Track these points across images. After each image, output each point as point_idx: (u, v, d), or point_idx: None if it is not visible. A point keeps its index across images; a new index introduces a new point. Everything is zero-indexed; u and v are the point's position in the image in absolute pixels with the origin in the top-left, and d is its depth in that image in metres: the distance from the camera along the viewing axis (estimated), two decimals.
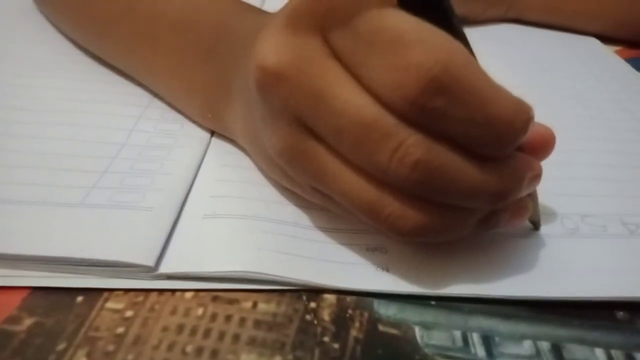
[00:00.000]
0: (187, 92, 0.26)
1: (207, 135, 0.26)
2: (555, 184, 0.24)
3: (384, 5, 0.16)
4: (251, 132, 0.22)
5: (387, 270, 0.19)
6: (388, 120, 0.16)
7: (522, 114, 0.17)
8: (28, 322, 0.18)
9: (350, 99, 0.16)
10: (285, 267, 0.19)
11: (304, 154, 0.18)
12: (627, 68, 0.37)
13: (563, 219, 0.22)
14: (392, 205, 0.17)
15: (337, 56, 0.17)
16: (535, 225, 0.21)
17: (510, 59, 0.37)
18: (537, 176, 0.19)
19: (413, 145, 0.16)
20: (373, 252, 0.20)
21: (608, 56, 0.40)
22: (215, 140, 0.26)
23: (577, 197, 0.24)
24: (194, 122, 0.27)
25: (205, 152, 0.25)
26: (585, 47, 0.41)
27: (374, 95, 0.16)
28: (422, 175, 0.16)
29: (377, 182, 0.17)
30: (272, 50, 0.17)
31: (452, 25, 0.17)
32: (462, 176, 0.16)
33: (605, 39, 0.42)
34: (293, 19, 0.17)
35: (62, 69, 0.31)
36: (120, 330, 0.17)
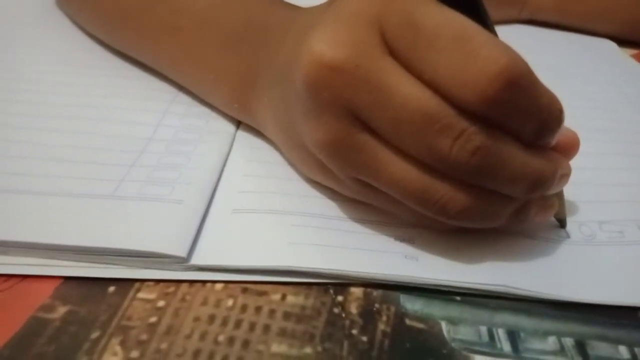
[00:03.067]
0: (213, 82, 0.26)
1: (232, 130, 0.26)
2: (572, 189, 0.24)
3: (436, 2, 0.17)
4: (283, 124, 0.22)
5: (417, 259, 0.20)
6: (449, 112, 0.17)
7: (559, 103, 0.18)
8: (62, 310, 0.18)
9: (412, 92, 0.17)
10: (313, 259, 0.19)
11: (353, 146, 0.18)
12: None
13: (581, 226, 0.23)
14: (443, 190, 0.18)
15: (394, 52, 0.17)
16: (562, 223, 0.22)
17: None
18: (566, 175, 0.19)
19: (474, 133, 0.17)
20: (402, 242, 0.21)
21: (623, 59, 0.40)
22: (240, 135, 0.26)
23: (594, 202, 0.24)
24: (220, 115, 0.27)
25: (231, 147, 0.25)
26: (600, 49, 0.41)
27: (435, 90, 0.17)
28: (481, 160, 0.17)
29: (429, 169, 0.18)
30: (328, 44, 0.17)
31: (487, 22, 0.18)
32: (512, 162, 0.18)
33: (623, 41, 0.43)
34: (349, 14, 0.18)
35: (86, 66, 0.31)
36: (153, 319, 0.18)
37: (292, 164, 0.24)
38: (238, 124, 0.27)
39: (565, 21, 0.44)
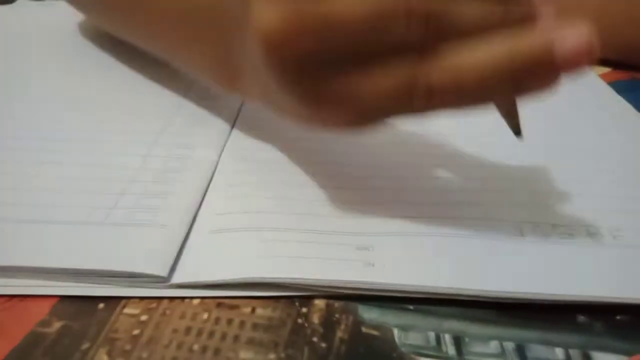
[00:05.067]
0: (201, 69, 0.28)
1: (215, 158, 0.29)
2: (531, 194, 0.26)
3: None
4: (268, 94, 0.23)
5: (373, 265, 0.22)
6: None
7: None
8: (57, 325, 0.20)
9: (353, 2, 0.18)
10: (279, 270, 0.22)
11: (331, 93, 0.20)
12: (607, 90, 0.39)
13: (535, 227, 0.25)
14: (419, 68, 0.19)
15: None
16: (517, 132, 0.23)
17: None
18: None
19: (417, 2, 0.18)
20: (361, 250, 0.23)
21: (590, 78, 0.42)
22: (223, 162, 0.29)
23: (550, 208, 0.26)
24: (205, 145, 0.30)
25: (214, 173, 0.28)
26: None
27: None
28: (437, 22, 0.19)
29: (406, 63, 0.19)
30: (269, 12, 0.19)
31: None
32: (470, 14, 0.19)
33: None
34: None
35: (77, 101, 0.34)
36: (136, 332, 0.20)
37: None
38: (221, 152, 0.30)
39: None
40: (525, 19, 0.20)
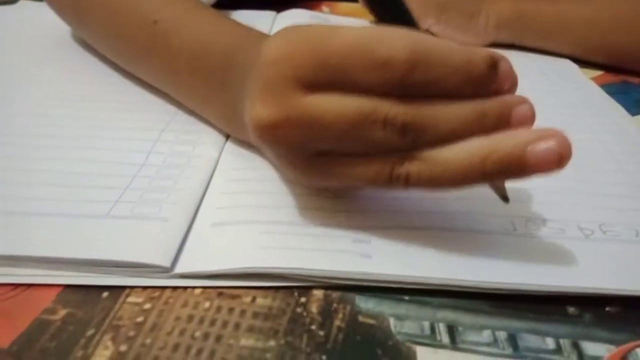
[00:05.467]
0: (213, 119, 0.31)
1: (216, 155, 0.30)
2: (521, 191, 0.27)
3: (337, 31, 0.21)
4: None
5: (371, 257, 0.23)
6: (370, 105, 0.20)
7: (480, 56, 0.21)
8: (62, 312, 0.21)
9: (336, 109, 0.21)
10: (278, 261, 0.22)
11: (320, 171, 0.23)
12: (599, 92, 0.40)
13: (527, 221, 0.25)
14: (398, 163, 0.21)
15: (317, 86, 0.21)
16: (504, 199, 0.24)
17: None
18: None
19: (398, 113, 0.20)
20: (359, 243, 0.23)
21: (582, 80, 0.43)
22: (223, 159, 0.29)
23: (542, 204, 0.27)
24: (205, 142, 0.30)
25: (214, 169, 0.28)
26: (560, 69, 0.44)
27: (360, 94, 0.20)
28: (413, 130, 0.20)
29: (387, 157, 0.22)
30: (260, 110, 0.22)
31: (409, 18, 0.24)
32: (446, 115, 0.21)
33: (587, 63, 0.46)
34: (268, 77, 0.21)
35: (85, 100, 0.35)
36: (140, 319, 0.21)
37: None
38: (221, 149, 0.30)
39: (525, 35, 0.46)
40: (501, 120, 0.21)
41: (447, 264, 0.23)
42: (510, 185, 0.28)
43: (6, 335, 0.20)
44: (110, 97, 0.35)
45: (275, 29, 0.48)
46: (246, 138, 0.29)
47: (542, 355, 0.20)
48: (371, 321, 0.21)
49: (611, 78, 0.44)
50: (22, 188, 0.26)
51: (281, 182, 0.28)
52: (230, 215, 0.25)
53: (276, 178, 0.28)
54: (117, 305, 0.21)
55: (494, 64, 0.21)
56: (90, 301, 0.21)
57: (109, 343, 0.20)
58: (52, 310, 0.21)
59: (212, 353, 0.20)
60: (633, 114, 0.38)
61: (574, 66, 0.45)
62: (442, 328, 0.21)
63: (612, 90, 0.41)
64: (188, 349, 0.20)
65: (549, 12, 0.45)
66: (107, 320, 0.21)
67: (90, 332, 0.20)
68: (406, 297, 0.22)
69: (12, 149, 0.29)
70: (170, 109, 0.34)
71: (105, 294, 0.22)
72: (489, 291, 0.22)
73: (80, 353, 0.19)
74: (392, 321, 0.21)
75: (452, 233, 0.24)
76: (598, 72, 0.45)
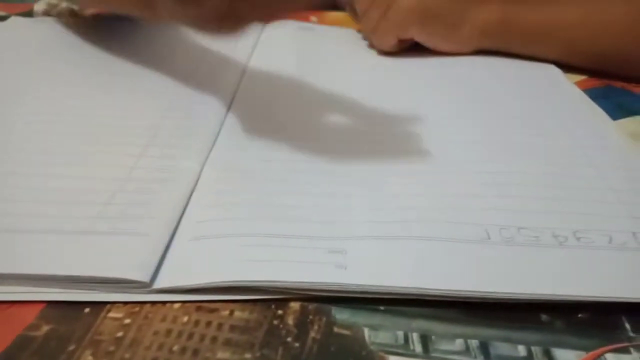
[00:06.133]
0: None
1: (198, 168, 0.30)
2: (497, 198, 0.27)
3: None
4: None
5: (345, 268, 0.23)
6: None
7: None
8: (45, 328, 0.21)
9: None
10: (255, 273, 0.23)
11: None
12: (581, 96, 0.41)
13: (502, 229, 0.26)
14: None
15: None
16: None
17: (464, 88, 0.41)
18: None
19: None
20: (333, 253, 0.24)
21: (565, 85, 0.43)
22: (205, 172, 0.30)
23: (516, 211, 0.27)
24: (189, 156, 0.31)
25: (197, 183, 0.29)
26: (544, 75, 0.44)
27: None
28: None
29: None
30: None
31: None
32: None
33: (569, 68, 0.46)
34: None
35: (67, 112, 0.35)
36: (120, 334, 0.21)
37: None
38: (203, 163, 0.31)
39: (510, 42, 0.47)
40: None
41: (422, 273, 0.23)
42: (485, 192, 0.29)
43: None
44: (96, 112, 0.36)
45: (262, 39, 0.49)
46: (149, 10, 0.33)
47: None
48: (346, 332, 0.22)
49: (595, 82, 0.45)
50: (2, 204, 0.27)
51: (261, 194, 0.28)
52: (209, 229, 0.26)
53: (256, 190, 0.28)
54: (98, 321, 0.22)
55: None
56: (73, 317, 0.22)
57: (90, 358, 0.20)
58: (35, 327, 0.21)
59: None
60: (615, 118, 0.38)
61: (557, 71, 0.45)
62: (415, 337, 0.22)
63: (595, 94, 0.42)
64: None
65: (535, 18, 0.46)
66: (88, 336, 0.21)
67: (71, 347, 0.21)
68: (381, 307, 0.23)
69: None
70: (155, 122, 0.34)
71: (87, 310, 0.22)
72: (462, 299, 0.23)
73: None
74: (366, 331, 0.22)
75: (427, 242, 0.25)
76: (582, 77, 0.45)
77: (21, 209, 0.26)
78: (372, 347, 0.21)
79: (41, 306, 0.22)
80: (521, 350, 0.21)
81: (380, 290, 0.22)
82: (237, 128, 0.35)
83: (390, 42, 0.46)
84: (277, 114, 0.37)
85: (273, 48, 0.47)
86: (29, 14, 0.54)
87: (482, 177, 0.30)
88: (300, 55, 0.46)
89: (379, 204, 0.28)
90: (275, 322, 0.22)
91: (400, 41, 0.47)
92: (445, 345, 0.21)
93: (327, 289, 0.23)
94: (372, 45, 0.48)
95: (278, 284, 0.23)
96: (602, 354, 0.21)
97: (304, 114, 0.37)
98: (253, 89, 0.40)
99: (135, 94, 0.39)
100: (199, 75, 0.41)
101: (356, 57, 0.47)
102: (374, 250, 0.24)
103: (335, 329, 0.22)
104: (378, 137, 0.34)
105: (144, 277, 0.23)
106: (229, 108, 0.37)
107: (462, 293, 0.22)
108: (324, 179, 0.30)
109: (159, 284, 0.23)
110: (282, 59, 0.45)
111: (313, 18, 0.56)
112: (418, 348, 0.21)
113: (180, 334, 0.21)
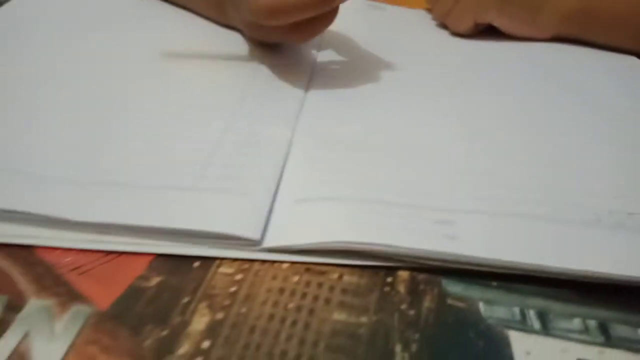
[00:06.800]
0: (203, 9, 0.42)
1: (289, 135, 0.30)
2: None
3: None
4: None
5: (456, 239, 0.23)
6: None
7: None
8: (156, 280, 0.21)
9: None
10: (364, 237, 0.22)
11: None
12: None
13: (611, 214, 0.25)
14: None
15: None
16: None
17: (544, 80, 0.40)
18: None
19: None
20: (441, 224, 0.23)
21: None
22: (296, 139, 0.30)
23: (627, 198, 0.26)
24: (279, 123, 0.30)
25: (290, 149, 0.29)
26: (624, 66, 0.43)
27: None
28: None
29: None
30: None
31: None
32: None
33: None
34: None
35: (165, 77, 0.35)
36: (233, 289, 0.21)
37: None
38: (293, 130, 0.30)
39: (589, 29, 0.45)
40: None
41: (534, 250, 0.23)
42: (593, 177, 0.28)
43: (103, 298, 0.20)
44: (191, 81, 0.35)
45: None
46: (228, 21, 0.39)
47: (636, 346, 0.20)
48: (460, 304, 0.21)
49: None
50: (112, 159, 0.27)
51: (360, 162, 0.28)
52: (312, 192, 0.25)
53: (354, 158, 0.28)
54: (209, 275, 0.22)
55: None
56: (182, 270, 0.22)
57: (206, 310, 0.20)
58: (145, 278, 0.21)
59: (307, 325, 0.20)
60: None
61: (637, 61, 0.44)
62: (532, 314, 0.21)
63: None
64: (283, 320, 0.20)
65: (615, 5, 0.44)
66: (201, 289, 0.21)
67: (185, 299, 0.20)
68: (494, 283, 0.22)
69: (102, 123, 0.30)
70: (240, 90, 0.34)
71: (196, 264, 0.22)
72: (578, 279, 0.22)
73: (178, 319, 0.20)
74: (481, 305, 0.21)
75: (538, 221, 0.24)
76: None
77: (125, 163, 0.26)
78: (489, 321, 0.21)
79: (149, 258, 0.22)
80: None
81: (496, 264, 0.22)
82: (320, 99, 0.34)
83: (467, 25, 0.45)
84: (360, 87, 0.36)
85: (344, 25, 0.47)
86: None
87: (590, 164, 0.29)
88: (372, 31, 0.45)
89: (485, 180, 0.27)
90: (386, 289, 0.22)
91: (476, 24, 0.45)
92: (563, 324, 0.21)
93: (441, 258, 0.22)
94: (444, 26, 0.47)
95: (390, 250, 0.22)
96: None
97: (389, 88, 0.36)
98: (329, 64, 0.40)
99: (220, 63, 0.38)
100: (279, 49, 0.41)
101: (429, 38, 0.46)
102: (483, 224, 0.24)
103: (449, 301, 0.21)
104: (474, 119, 0.33)
105: (255, 234, 0.22)
106: (309, 80, 0.37)
107: (578, 272, 0.22)
108: (422, 153, 0.29)
109: (268, 242, 0.23)
110: (354, 34, 0.44)
111: None
112: (537, 325, 0.21)
113: (293, 293, 0.21)
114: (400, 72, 0.38)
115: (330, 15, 0.33)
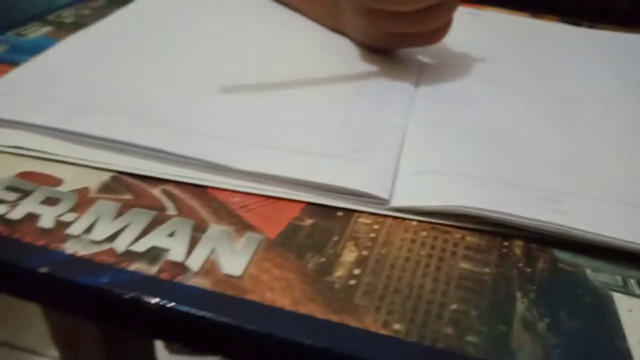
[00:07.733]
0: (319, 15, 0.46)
1: (404, 122, 0.34)
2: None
3: None
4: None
5: (565, 214, 0.26)
6: None
7: None
8: (309, 222, 0.26)
9: None
10: (482, 204, 0.26)
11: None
12: None
13: None
14: None
15: None
16: None
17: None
18: None
19: None
20: (550, 201, 0.27)
21: None
22: (411, 126, 0.33)
23: None
24: (393, 108, 0.34)
25: (405, 132, 0.32)
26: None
27: None
28: None
29: None
30: None
31: None
32: None
33: None
34: None
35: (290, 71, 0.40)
36: (372, 235, 0.25)
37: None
38: (408, 118, 0.34)
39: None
40: None
41: (636, 231, 0.25)
42: None
43: (270, 230, 0.25)
44: (316, 69, 0.40)
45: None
46: (337, 22, 0.43)
47: None
48: (569, 268, 0.24)
49: None
50: (272, 127, 0.31)
51: (472, 145, 0.31)
52: (430, 166, 0.29)
53: (464, 142, 0.31)
54: (352, 223, 0.26)
55: None
56: (329, 217, 0.26)
57: (353, 248, 0.24)
58: (300, 219, 0.26)
59: (438, 268, 0.24)
60: None
61: None
62: (633, 282, 0.24)
63: None
64: (417, 262, 0.24)
65: None
66: (347, 232, 0.25)
67: (335, 237, 0.25)
68: (599, 255, 0.25)
69: (267, 102, 0.34)
70: (358, 85, 0.38)
71: (339, 213, 0.26)
72: None
73: (331, 251, 0.24)
74: (588, 271, 0.24)
75: (636, 207, 0.27)
76: None
77: (270, 134, 0.31)
78: (595, 284, 0.24)
79: (301, 206, 0.27)
80: None
81: (602, 240, 0.25)
82: (428, 94, 0.38)
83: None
84: (463, 83, 0.40)
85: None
86: None
87: None
88: (470, 35, 0.49)
89: (588, 169, 0.30)
90: (504, 250, 0.25)
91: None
92: None
93: (553, 230, 0.25)
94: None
95: (509, 218, 0.25)
96: None
97: (489, 86, 0.39)
98: (435, 66, 0.43)
99: (335, 64, 0.43)
100: (387, 53, 0.45)
101: (521, 40, 0.49)
102: (589, 204, 0.27)
103: (560, 265, 0.24)
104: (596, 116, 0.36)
105: (385, 194, 0.26)
106: (418, 79, 0.41)
107: None
108: (525, 142, 0.32)
109: (395, 203, 0.27)
110: (454, 38, 0.48)
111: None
112: (637, 290, 0.23)
113: (423, 244, 0.25)
114: (499, 72, 0.42)
115: (447, 24, 0.37)
